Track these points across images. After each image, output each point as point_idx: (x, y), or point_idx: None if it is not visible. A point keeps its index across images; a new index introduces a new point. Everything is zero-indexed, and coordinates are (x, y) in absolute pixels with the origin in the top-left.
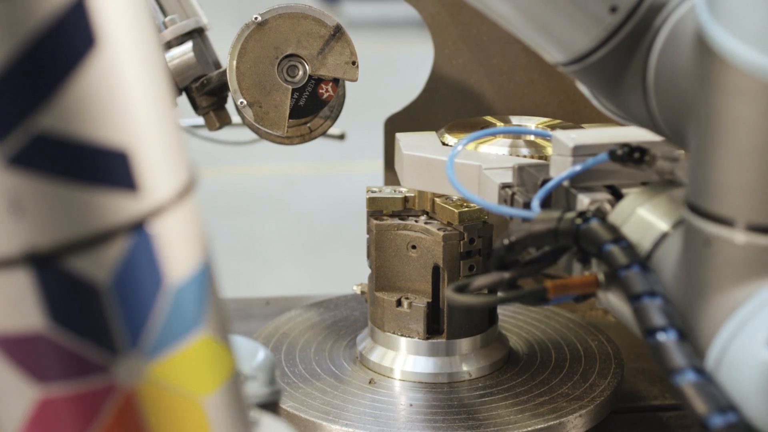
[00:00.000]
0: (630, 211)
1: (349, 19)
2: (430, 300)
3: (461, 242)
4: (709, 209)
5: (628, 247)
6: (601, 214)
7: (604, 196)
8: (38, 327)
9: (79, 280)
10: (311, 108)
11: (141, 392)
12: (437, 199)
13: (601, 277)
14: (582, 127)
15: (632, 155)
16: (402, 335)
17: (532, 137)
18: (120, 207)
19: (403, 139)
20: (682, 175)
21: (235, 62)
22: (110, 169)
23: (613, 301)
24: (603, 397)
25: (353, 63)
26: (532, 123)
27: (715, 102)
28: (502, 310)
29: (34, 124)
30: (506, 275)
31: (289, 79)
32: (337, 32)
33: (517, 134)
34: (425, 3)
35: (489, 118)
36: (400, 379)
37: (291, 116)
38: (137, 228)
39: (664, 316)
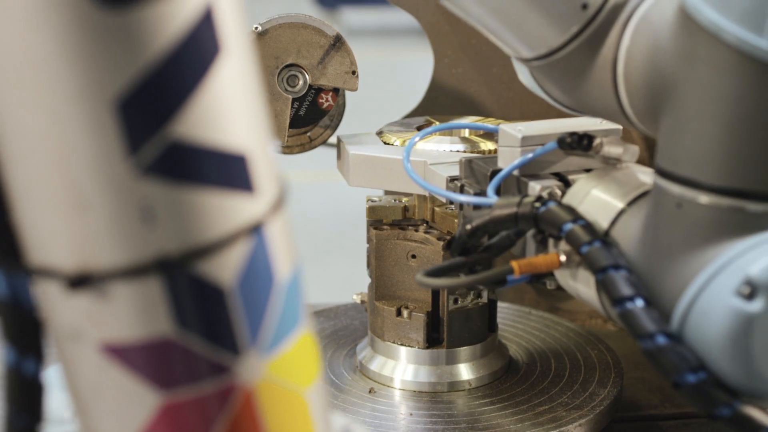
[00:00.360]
0: (585, 192)
1: (349, 26)
2: (429, 309)
3: None
4: (680, 173)
5: (588, 225)
6: (555, 198)
7: (553, 182)
8: (166, 333)
9: (206, 284)
10: (311, 117)
11: (258, 389)
12: (437, 209)
13: (562, 257)
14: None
15: (581, 142)
16: (402, 344)
17: (466, 133)
18: (241, 209)
19: (346, 139)
20: (629, 158)
21: None
22: (233, 172)
23: (571, 282)
24: (603, 407)
25: (353, 72)
26: (466, 121)
27: (700, 76)
28: (501, 320)
29: (168, 132)
30: (467, 259)
31: (289, 88)
32: (337, 42)
33: (461, 129)
34: (425, 12)
35: (428, 118)
36: (400, 389)
37: (291, 126)
38: (256, 229)
39: (630, 285)
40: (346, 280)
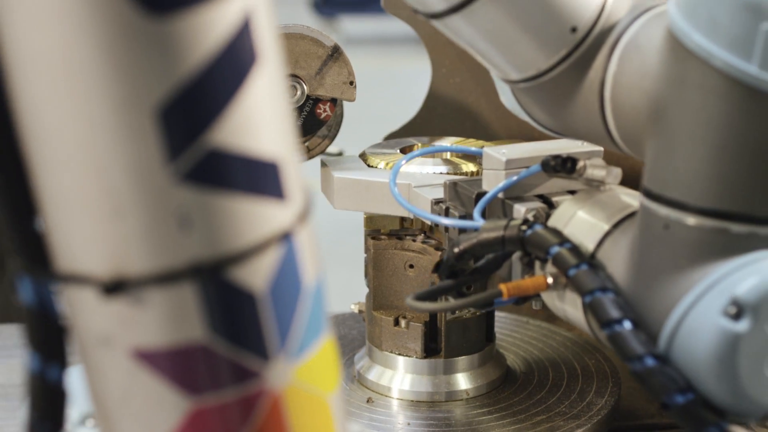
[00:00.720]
0: (570, 214)
1: (347, 35)
2: (427, 319)
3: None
4: (667, 195)
5: (574, 248)
6: (539, 221)
7: (537, 204)
8: (199, 339)
9: (238, 290)
10: (309, 128)
11: (286, 394)
12: None
13: (549, 279)
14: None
15: (564, 165)
16: (400, 354)
17: (448, 155)
18: (273, 215)
19: (330, 163)
20: (612, 180)
21: None
22: (266, 179)
23: (558, 303)
24: (600, 416)
25: (351, 83)
26: (447, 142)
27: (690, 101)
28: (498, 329)
29: (207, 139)
30: (454, 282)
31: None
32: (335, 52)
33: (446, 152)
34: (423, 23)
35: (411, 139)
36: (397, 398)
37: None
38: (286, 236)
39: (618, 308)
40: (345, 289)
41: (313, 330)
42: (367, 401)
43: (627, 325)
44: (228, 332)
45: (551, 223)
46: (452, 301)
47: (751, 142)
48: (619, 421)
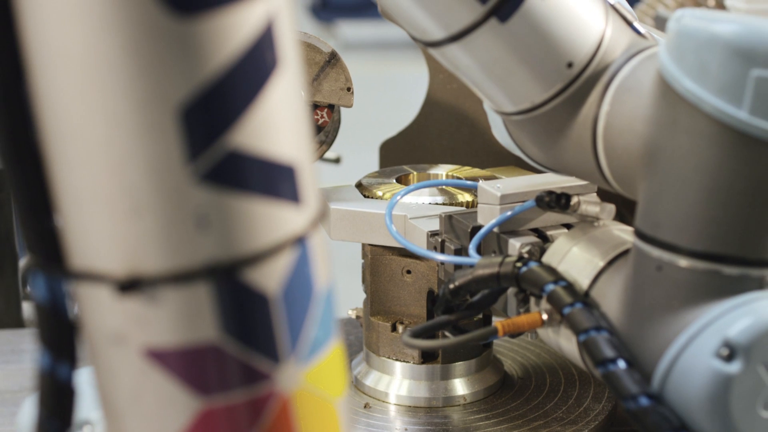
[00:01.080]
0: (565, 251)
1: (345, 40)
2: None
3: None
4: (659, 237)
5: (569, 286)
6: (534, 256)
7: (532, 239)
8: (211, 339)
9: (253, 292)
10: None
11: (295, 397)
12: None
13: (544, 315)
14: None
15: (559, 201)
16: (397, 360)
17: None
18: (289, 219)
19: (326, 193)
20: (606, 216)
21: None
22: (283, 183)
23: (552, 336)
24: (597, 422)
25: (348, 89)
26: (442, 170)
27: (681, 145)
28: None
29: (227, 141)
30: (452, 318)
31: None
32: (332, 58)
33: (440, 185)
34: None
35: (406, 167)
36: (395, 404)
37: None
38: (301, 239)
39: (612, 347)
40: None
41: (323, 334)
42: (365, 407)
43: (621, 364)
44: (240, 333)
45: (546, 259)
46: (449, 338)
47: (742, 186)
48: (616, 426)
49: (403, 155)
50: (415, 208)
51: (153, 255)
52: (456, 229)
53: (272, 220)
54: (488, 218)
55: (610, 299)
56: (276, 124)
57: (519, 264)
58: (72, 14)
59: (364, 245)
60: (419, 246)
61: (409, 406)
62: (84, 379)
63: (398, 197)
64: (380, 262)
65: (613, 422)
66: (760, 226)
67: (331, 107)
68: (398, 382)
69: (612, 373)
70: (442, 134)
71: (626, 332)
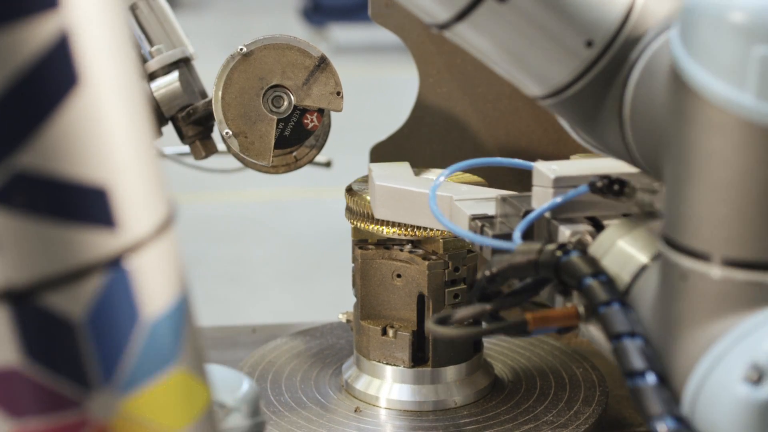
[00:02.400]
0: (610, 243)
1: (336, 43)
2: (415, 328)
3: (446, 271)
4: (684, 243)
5: (608, 282)
6: (582, 246)
7: (585, 227)
8: (13, 363)
9: (54, 316)
10: (297, 138)
11: (113, 427)
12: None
13: (581, 309)
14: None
15: (612, 187)
16: (387, 364)
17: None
18: (97, 243)
19: (375, 169)
20: (661, 207)
21: (220, 93)
22: (88, 206)
23: (595, 333)
24: (588, 425)
25: (338, 93)
26: (432, 175)
27: (689, 135)
28: (486, 339)
29: (15, 161)
30: (488, 307)
31: (274, 109)
32: (322, 63)
33: (494, 165)
34: (410, 32)
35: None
36: (385, 408)
37: (276, 146)
38: (114, 264)
39: (644, 358)
40: (334, 298)
41: (153, 362)
42: (355, 411)
43: (651, 379)
44: (44, 359)
45: (592, 250)
46: (477, 328)
47: (757, 180)
48: (607, 429)
49: (393, 159)
50: (464, 190)
51: None
52: (509, 213)
53: (75, 244)
54: (542, 202)
55: (649, 300)
56: (76, 144)
57: (559, 253)
58: None
59: (354, 249)
60: (462, 228)
61: (400, 410)
62: None
63: (441, 179)
64: (370, 266)
65: (603, 425)
66: None
67: (321, 111)
68: (389, 385)
69: (638, 389)
70: (432, 138)
71: (659, 340)
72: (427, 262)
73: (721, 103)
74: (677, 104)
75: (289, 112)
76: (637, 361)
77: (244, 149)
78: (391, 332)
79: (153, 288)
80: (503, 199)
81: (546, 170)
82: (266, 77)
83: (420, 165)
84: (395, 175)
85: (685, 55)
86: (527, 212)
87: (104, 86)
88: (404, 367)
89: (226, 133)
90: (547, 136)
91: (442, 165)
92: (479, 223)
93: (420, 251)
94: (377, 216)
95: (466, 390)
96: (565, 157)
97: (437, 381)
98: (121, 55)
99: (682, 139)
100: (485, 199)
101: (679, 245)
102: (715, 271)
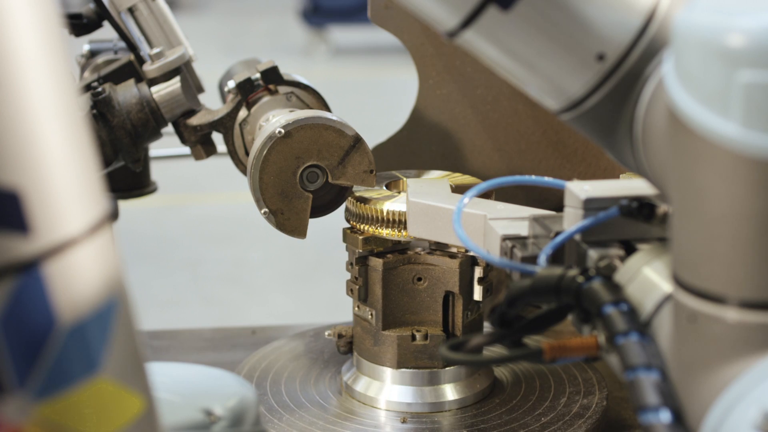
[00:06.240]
0: (636, 269)
1: (336, 45)
2: (441, 329)
3: (474, 267)
4: (695, 284)
5: (629, 312)
6: (609, 271)
7: (615, 251)
8: None
9: None
10: (328, 208)
11: (28, 431)
12: None
13: (601, 339)
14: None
15: (642, 210)
16: (418, 368)
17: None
18: (7, 248)
19: (412, 185)
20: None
21: (258, 174)
22: None
23: (615, 363)
24: (587, 426)
25: (371, 171)
26: (432, 175)
27: (683, 167)
28: None
29: None
30: (503, 334)
31: (308, 184)
32: (357, 143)
33: (525, 184)
34: (410, 35)
35: (395, 173)
36: (385, 409)
37: (311, 215)
38: (27, 269)
39: (658, 394)
40: (333, 299)
41: (72, 368)
42: (403, 420)
43: (664, 417)
44: None
45: (618, 276)
46: (492, 356)
47: (748, 215)
48: (606, 431)
49: (392, 161)
50: (500, 209)
51: None
52: (539, 234)
53: None
54: (573, 223)
55: (669, 333)
56: None
57: (581, 278)
58: None
59: (367, 260)
60: (491, 251)
61: (399, 412)
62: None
63: (465, 200)
64: (391, 274)
65: (603, 427)
66: None
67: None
68: (388, 387)
69: (651, 426)
70: (431, 140)
71: (675, 376)
72: (458, 260)
73: (706, 133)
74: (671, 132)
75: (322, 184)
76: (651, 397)
77: (281, 226)
78: (419, 336)
79: (75, 293)
80: (535, 219)
81: (577, 190)
82: (303, 156)
83: (419, 167)
84: (431, 192)
85: (674, 82)
86: (557, 234)
87: (20, 90)
88: (438, 368)
89: (265, 212)
90: (546, 138)
91: (442, 166)
92: (510, 244)
93: (438, 251)
94: (410, 233)
95: (466, 392)
96: (563, 159)
97: (437, 382)
98: (45, 58)
99: (678, 171)
100: (520, 219)
101: (689, 286)
102: (731, 315)
